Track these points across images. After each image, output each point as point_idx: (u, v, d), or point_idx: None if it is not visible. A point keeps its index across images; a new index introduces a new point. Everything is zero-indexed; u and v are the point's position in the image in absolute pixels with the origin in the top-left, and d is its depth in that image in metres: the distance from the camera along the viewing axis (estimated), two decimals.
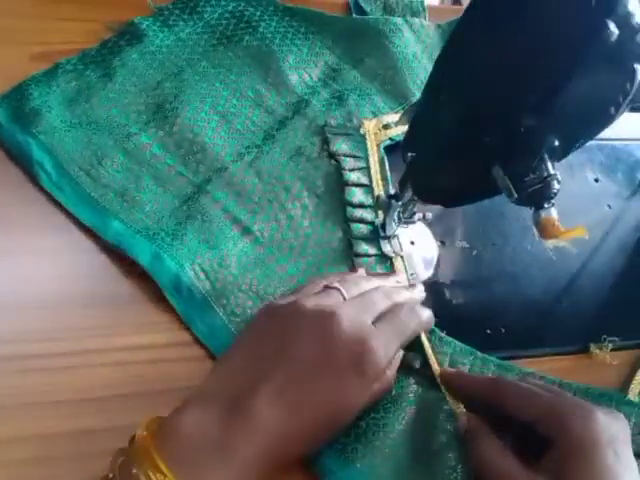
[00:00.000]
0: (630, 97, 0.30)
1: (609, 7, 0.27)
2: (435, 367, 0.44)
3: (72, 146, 0.49)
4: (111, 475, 0.32)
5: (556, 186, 0.33)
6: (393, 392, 0.42)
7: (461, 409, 0.42)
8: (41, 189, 0.47)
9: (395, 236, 0.49)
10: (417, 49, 0.62)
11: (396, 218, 0.47)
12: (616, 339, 0.48)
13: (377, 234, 0.49)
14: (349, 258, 0.48)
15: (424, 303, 0.46)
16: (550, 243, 0.34)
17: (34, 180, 0.47)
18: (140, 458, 0.31)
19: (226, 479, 0.32)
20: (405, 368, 0.43)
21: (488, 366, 0.45)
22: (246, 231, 0.48)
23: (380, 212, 0.49)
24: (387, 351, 0.37)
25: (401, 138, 0.54)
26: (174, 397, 0.35)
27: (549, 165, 0.33)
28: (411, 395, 0.43)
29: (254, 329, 0.39)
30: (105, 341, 0.42)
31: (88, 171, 0.48)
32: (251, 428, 0.33)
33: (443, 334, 0.45)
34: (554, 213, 0.34)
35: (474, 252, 0.52)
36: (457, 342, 0.45)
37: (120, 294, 0.44)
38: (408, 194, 0.43)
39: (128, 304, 0.44)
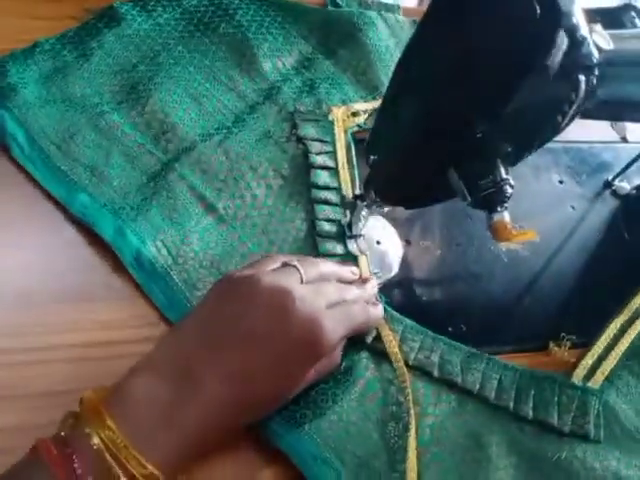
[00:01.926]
0: (576, 106, 0.31)
1: (555, 20, 0.28)
2: (387, 342, 0.45)
3: (45, 121, 0.50)
4: (62, 433, 0.33)
5: (509, 190, 0.34)
6: (344, 364, 0.44)
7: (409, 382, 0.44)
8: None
9: (361, 235, 0.50)
10: (390, 43, 0.63)
11: (365, 213, 0.48)
12: (574, 337, 0.50)
13: (343, 233, 0.50)
14: (311, 237, 0.49)
15: (391, 299, 0.48)
16: (503, 245, 0.35)
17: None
18: (89, 417, 0.33)
19: (172, 442, 0.34)
20: (358, 342, 0.44)
21: (438, 344, 0.46)
22: (210, 208, 0.49)
23: (347, 212, 0.50)
24: (335, 334, 0.38)
25: (370, 125, 0.56)
26: None
27: (502, 170, 0.34)
28: (362, 368, 0.44)
29: (210, 299, 0.40)
30: (70, 337, 0.42)
31: (59, 145, 0.49)
32: (200, 396, 0.35)
33: (395, 313, 0.47)
34: (507, 217, 0.35)
35: (438, 252, 0.53)
36: (408, 320, 0.47)
37: (91, 290, 0.45)
38: (372, 195, 0.44)
39: (99, 300, 0.44)
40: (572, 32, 0.29)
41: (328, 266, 0.44)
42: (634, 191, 0.62)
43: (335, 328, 0.38)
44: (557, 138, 0.34)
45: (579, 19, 0.29)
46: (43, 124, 0.50)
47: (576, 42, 0.29)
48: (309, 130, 0.55)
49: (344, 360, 0.44)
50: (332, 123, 0.56)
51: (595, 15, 0.33)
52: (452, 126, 0.34)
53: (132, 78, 0.54)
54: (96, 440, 0.32)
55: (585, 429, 0.44)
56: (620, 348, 0.49)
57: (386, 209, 0.48)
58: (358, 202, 0.46)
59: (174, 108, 0.54)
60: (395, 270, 0.50)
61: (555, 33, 0.28)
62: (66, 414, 0.34)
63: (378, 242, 0.50)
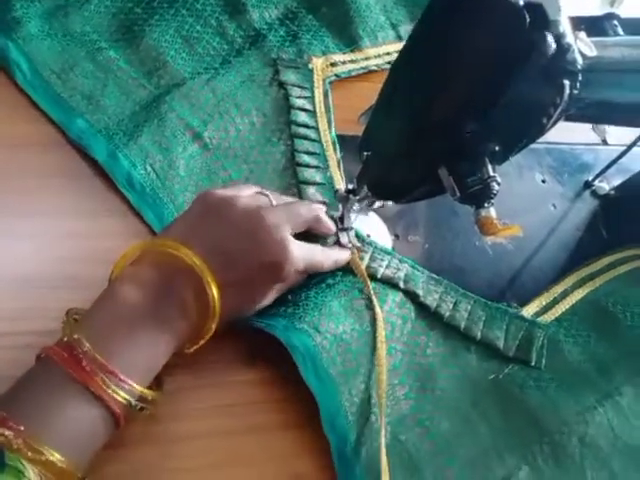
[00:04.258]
0: (560, 109, 0.33)
1: (542, 27, 0.30)
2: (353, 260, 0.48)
3: (47, 52, 0.53)
4: (65, 339, 0.35)
5: (496, 187, 0.36)
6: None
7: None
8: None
9: (352, 229, 0.51)
10: (371, 1, 0.67)
11: (357, 206, 0.50)
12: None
13: (319, 166, 0.54)
14: (290, 169, 0.53)
15: None
16: (488, 239, 0.37)
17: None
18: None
19: (157, 341, 0.37)
20: None
21: (403, 265, 0.50)
22: (197, 136, 0.52)
23: (339, 205, 0.52)
24: (299, 262, 0.42)
25: (347, 75, 0.62)
26: None
27: (490, 168, 0.36)
28: (334, 276, 0.48)
29: (191, 213, 0.42)
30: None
31: (59, 74, 0.52)
32: (182, 304, 0.38)
33: (367, 237, 0.50)
34: (493, 212, 0.37)
35: (425, 246, 0.55)
36: (379, 245, 0.50)
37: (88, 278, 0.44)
38: (364, 190, 0.45)
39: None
40: (558, 39, 0.31)
41: (297, 205, 0.46)
42: (613, 191, 0.64)
43: (299, 256, 0.42)
44: (541, 139, 0.35)
45: (565, 27, 0.31)
46: (45, 55, 0.52)
47: (562, 49, 0.31)
48: (290, 76, 0.59)
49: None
50: (311, 71, 0.60)
51: (580, 23, 0.35)
52: (443, 126, 0.35)
53: (128, 19, 0.57)
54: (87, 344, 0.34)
55: (528, 356, 0.49)
56: (575, 296, 0.53)
57: (377, 204, 0.50)
58: (350, 196, 0.47)
59: (166, 48, 0.56)
60: None
61: (543, 40, 0.30)
62: (64, 322, 0.37)
63: (368, 235, 0.52)
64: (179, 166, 0.50)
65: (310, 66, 0.60)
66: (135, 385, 0.35)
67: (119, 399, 0.34)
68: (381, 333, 0.45)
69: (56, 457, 0.31)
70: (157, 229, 0.47)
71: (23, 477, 0.29)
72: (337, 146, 0.56)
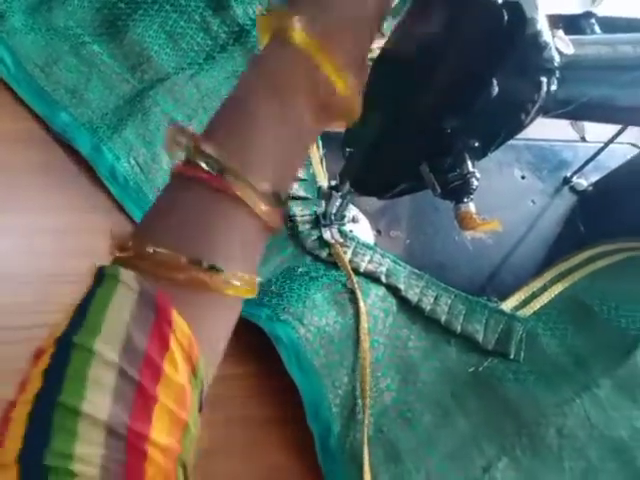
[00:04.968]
0: (538, 105, 0.34)
1: (519, 27, 0.30)
2: (336, 254, 0.50)
3: (30, 46, 0.53)
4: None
5: (475, 183, 0.37)
6: (300, 269, 0.49)
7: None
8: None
9: (335, 224, 0.52)
10: None
11: (339, 203, 0.50)
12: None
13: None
14: None
15: None
16: (468, 234, 0.38)
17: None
18: None
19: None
20: (313, 255, 0.50)
21: (385, 260, 0.51)
22: None
23: (323, 202, 0.52)
24: None
25: None
26: None
27: (469, 164, 0.36)
28: (318, 270, 0.49)
29: None
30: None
31: (42, 68, 0.52)
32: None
33: (350, 232, 0.51)
34: (472, 207, 0.37)
35: (407, 241, 0.55)
36: (361, 240, 0.51)
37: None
38: (346, 186, 0.46)
39: None
40: (536, 37, 0.31)
41: None
42: (590, 187, 0.65)
43: None
44: (520, 136, 0.35)
45: (543, 25, 0.31)
46: (28, 49, 0.53)
47: (539, 47, 0.32)
48: None
49: (301, 265, 0.49)
50: None
51: (558, 21, 0.36)
52: (423, 123, 0.36)
53: (112, 14, 0.57)
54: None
55: (507, 349, 0.49)
56: (554, 290, 0.54)
57: (346, 220, 0.51)
58: (333, 192, 0.48)
59: (150, 43, 0.57)
60: None
61: (520, 38, 0.31)
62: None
63: (350, 231, 0.52)
64: (162, 160, 0.51)
65: None
66: None
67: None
68: (364, 326, 0.46)
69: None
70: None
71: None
72: (320, 143, 0.56)
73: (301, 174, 0.53)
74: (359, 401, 0.44)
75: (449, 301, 0.51)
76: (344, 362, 0.45)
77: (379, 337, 0.47)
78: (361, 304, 0.47)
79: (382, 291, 0.49)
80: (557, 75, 0.33)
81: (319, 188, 0.51)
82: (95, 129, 0.50)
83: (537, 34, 0.31)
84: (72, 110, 0.51)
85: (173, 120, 0.53)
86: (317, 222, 0.51)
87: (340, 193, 0.47)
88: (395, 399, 0.46)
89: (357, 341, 0.46)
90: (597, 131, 0.70)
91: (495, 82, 0.32)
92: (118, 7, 0.57)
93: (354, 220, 0.51)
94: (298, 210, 0.52)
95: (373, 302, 0.48)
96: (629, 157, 0.65)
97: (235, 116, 0.29)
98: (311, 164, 0.55)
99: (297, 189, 0.52)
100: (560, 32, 0.36)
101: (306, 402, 0.41)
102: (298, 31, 0.28)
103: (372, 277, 0.50)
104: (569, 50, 0.36)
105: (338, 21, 0.28)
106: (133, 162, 0.50)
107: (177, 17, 0.59)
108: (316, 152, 0.56)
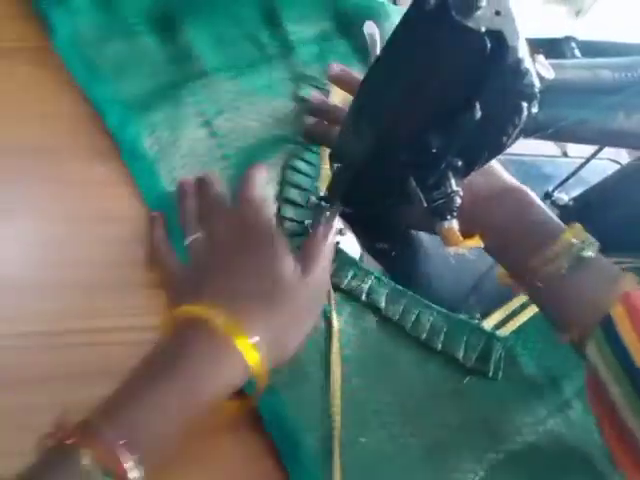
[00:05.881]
0: (519, 129, 0.35)
1: (501, 55, 0.32)
2: None
3: (88, 25, 0.55)
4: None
5: (458, 201, 0.38)
6: None
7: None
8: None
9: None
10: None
11: (327, 215, 0.51)
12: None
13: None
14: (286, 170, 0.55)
15: None
16: (451, 249, 0.39)
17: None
18: None
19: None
20: None
21: (369, 277, 0.51)
22: (207, 124, 0.55)
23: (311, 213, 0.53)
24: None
25: None
26: None
27: (453, 182, 0.38)
28: None
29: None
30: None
31: (95, 44, 0.55)
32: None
33: (337, 244, 0.51)
34: (455, 224, 0.38)
35: (392, 253, 0.57)
36: (346, 254, 0.52)
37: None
38: (335, 199, 0.47)
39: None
40: (517, 64, 0.33)
41: None
42: (572, 202, 0.66)
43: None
44: None
45: (524, 52, 0.33)
46: (85, 26, 0.55)
47: (520, 73, 0.33)
48: (308, 92, 0.60)
49: None
50: (329, 92, 0.61)
51: (539, 45, 0.37)
52: (408, 142, 0.37)
53: (168, 11, 0.60)
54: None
55: (486, 367, 0.50)
56: (533, 309, 0.54)
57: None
58: (322, 203, 0.49)
59: (199, 44, 0.59)
60: None
61: (502, 65, 0.32)
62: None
63: (337, 243, 0.53)
64: (182, 146, 0.52)
65: (328, 87, 0.62)
66: None
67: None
68: (335, 344, 0.47)
69: None
70: (146, 199, 0.49)
71: None
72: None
73: (305, 184, 0.55)
74: (331, 415, 0.44)
75: (431, 318, 0.51)
76: (312, 377, 0.45)
77: (351, 352, 0.48)
78: (335, 323, 0.48)
79: (359, 309, 0.50)
80: (537, 99, 0.35)
81: (307, 200, 0.52)
82: (127, 106, 0.52)
83: (518, 61, 0.32)
84: (111, 86, 0.53)
85: (203, 112, 0.55)
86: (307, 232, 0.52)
87: (328, 205, 0.48)
88: (374, 411, 0.46)
89: (327, 358, 0.46)
90: (579, 147, 0.71)
91: (478, 106, 0.33)
92: (175, 6, 0.60)
93: (341, 233, 0.51)
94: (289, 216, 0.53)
95: (346, 320, 0.49)
96: (609, 172, 0.66)
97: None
98: (319, 178, 0.56)
99: (295, 192, 0.54)
100: (541, 57, 0.37)
101: (265, 419, 0.42)
102: None
103: (352, 295, 0.50)
104: (550, 75, 0.37)
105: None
106: (154, 141, 0.52)
107: (229, 24, 0.62)
108: (327, 169, 0.57)
